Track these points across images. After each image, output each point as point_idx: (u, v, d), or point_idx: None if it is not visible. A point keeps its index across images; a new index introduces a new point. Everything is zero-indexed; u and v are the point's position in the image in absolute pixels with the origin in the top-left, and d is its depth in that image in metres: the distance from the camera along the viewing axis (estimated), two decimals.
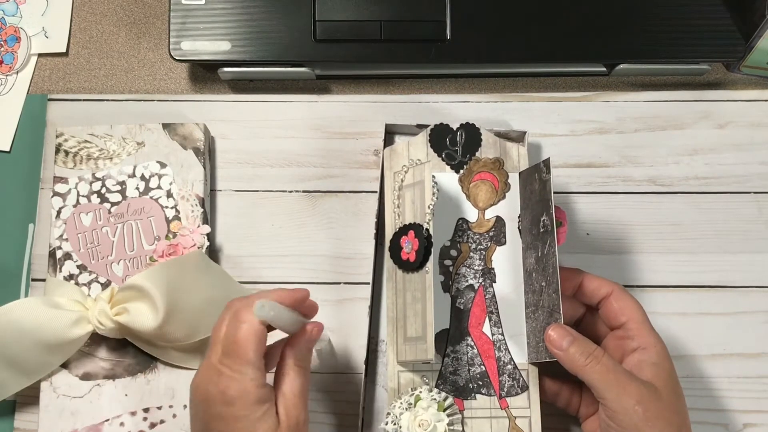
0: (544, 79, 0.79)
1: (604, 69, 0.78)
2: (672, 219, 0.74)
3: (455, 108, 0.75)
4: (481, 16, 0.74)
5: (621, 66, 0.76)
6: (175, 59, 0.73)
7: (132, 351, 0.69)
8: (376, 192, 0.73)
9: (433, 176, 0.66)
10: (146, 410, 0.68)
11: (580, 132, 0.75)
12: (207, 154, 0.73)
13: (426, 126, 0.70)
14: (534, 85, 0.79)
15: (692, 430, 0.60)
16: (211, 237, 0.72)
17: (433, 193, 0.64)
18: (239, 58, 0.73)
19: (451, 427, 0.63)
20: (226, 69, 0.76)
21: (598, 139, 0.75)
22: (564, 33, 0.74)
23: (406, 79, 0.79)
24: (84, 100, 0.76)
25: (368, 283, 0.70)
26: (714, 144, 0.75)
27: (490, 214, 0.68)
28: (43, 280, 0.70)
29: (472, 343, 0.66)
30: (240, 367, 0.54)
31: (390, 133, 0.75)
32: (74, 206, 0.71)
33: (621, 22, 0.74)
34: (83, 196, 0.71)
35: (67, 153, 0.72)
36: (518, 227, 0.68)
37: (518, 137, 0.72)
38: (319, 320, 0.70)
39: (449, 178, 0.69)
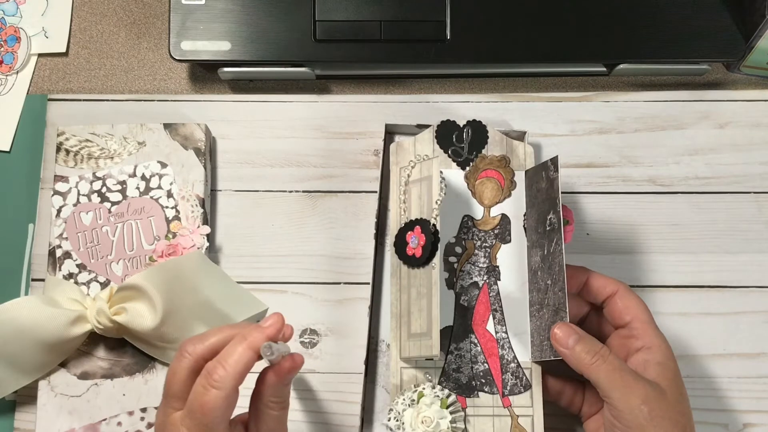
0: (544, 79, 0.79)
1: (604, 69, 0.78)
2: (672, 219, 0.74)
3: (455, 108, 0.75)
4: (481, 16, 0.74)
5: (621, 66, 0.76)
6: (175, 59, 0.73)
7: (130, 351, 0.68)
8: (376, 192, 0.73)
9: (441, 171, 0.66)
10: (144, 410, 0.68)
11: (580, 132, 0.75)
12: (208, 154, 0.73)
13: (426, 126, 0.70)
14: (534, 85, 0.79)
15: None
16: (211, 237, 0.71)
17: (441, 189, 0.64)
18: (239, 58, 0.73)
19: (454, 425, 0.63)
20: (226, 69, 0.75)
21: (598, 139, 0.75)
22: (564, 33, 0.74)
23: (406, 79, 0.79)
24: (84, 100, 0.75)
25: (368, 283, 0.70)
26: (714, 144, 0.75)
27: (496, 211, 0.68)
28: (44, 279, 0.70)
29: (476, 341, 0.66)
30: None
31: (390, 133, 0.75)
32: (74, 205, 0.70)
33: (621, 22, 0.74)
34: (84, 195, 0.71)
35: (68, 152, 0.72)
36: (523, 225, 0.68)
37: (518, 137, 0.72)
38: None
39: (455, 175, 0.69)
